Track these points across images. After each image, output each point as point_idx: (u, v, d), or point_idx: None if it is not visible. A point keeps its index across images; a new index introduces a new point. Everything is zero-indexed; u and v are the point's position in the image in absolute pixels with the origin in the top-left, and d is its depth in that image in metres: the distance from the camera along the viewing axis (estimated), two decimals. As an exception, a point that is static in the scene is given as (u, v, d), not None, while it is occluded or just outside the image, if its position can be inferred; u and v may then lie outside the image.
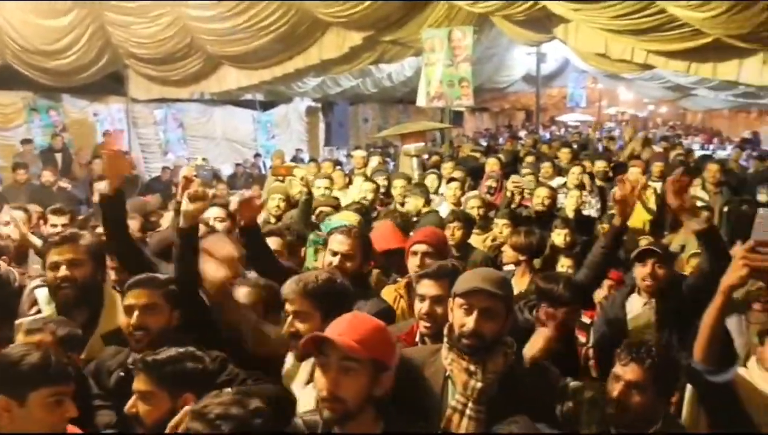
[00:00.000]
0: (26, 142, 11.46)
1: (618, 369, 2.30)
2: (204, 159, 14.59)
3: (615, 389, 2.28)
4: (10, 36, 10.33)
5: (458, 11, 9.95)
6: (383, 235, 4.27)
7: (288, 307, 2.35)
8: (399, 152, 10.96)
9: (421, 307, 2.50)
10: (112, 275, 3.55)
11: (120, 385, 2.43)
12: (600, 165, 7.93)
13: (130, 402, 2.10)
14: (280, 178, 6.45)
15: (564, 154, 9.25)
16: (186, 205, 2.71)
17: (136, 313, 2.51)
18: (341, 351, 1.82)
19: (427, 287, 2.50)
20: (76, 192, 9.41)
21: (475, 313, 2.11)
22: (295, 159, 15.30)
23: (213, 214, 3.93)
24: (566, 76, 22.35)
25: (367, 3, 9.45)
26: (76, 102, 13.23)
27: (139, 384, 2.09)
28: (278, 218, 5.42)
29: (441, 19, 10.06)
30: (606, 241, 3.25)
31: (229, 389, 1.91)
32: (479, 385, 2.11)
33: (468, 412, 2.11)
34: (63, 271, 2.78)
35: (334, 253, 3.07)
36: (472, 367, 2.12)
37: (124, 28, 10.98)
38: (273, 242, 3.58)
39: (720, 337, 2.34)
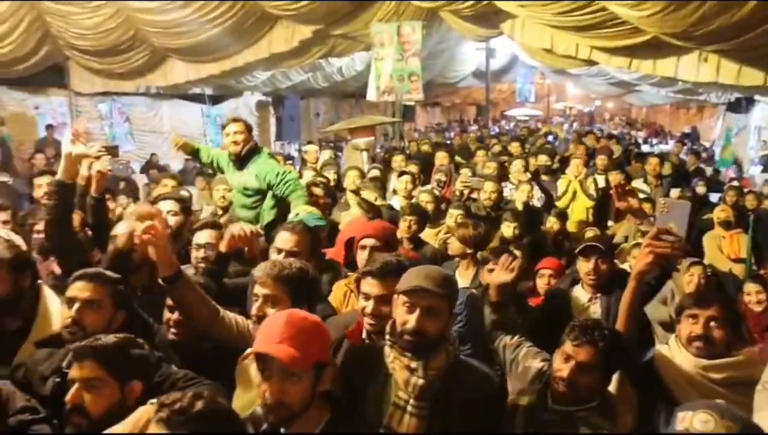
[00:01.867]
0: (-43, 135, 11.03)
1: (569, 348, 2.30)
2: (153, 154, 14.34)
3: (564, 369, 2.28)
4: (-59, 26, 9.90)
5: (407, 6, 9.99)
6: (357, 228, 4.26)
7: (259, 289, 2.33)
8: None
9: (365, 305, 2.45)
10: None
11: (56, 392, 2.32)
12: (543, 159, 8.10)
13: (72, 392, 2.02)
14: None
15: (515, 148, 9.46)
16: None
17: (76, 305, 2.42)
18: (283, 364, 1.81)
19: (371, 286, 2.44)
20: (17, 185, 9.08)
21: (417, 312, 2.11)
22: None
23: (166, 207, 3.87)
24: (515, 71, 22.71)
25: (315, -4, 9.40)
26: (15, 94, 12.73)
27: (83, 372, 2.02)
28: (225, 209, 5.37)
29: (390, 14, 10.08)
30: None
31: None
32: (420, 382, 2.12)
33: (410, 408, 2.13)
34: None
35: (279, 251, 3.04)
36: (413, 365, 2.13)
37: (63, 18, 10.62)
38: (206, 235, 3.58)
39: (636, 320, 2.47)
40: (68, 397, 2.02)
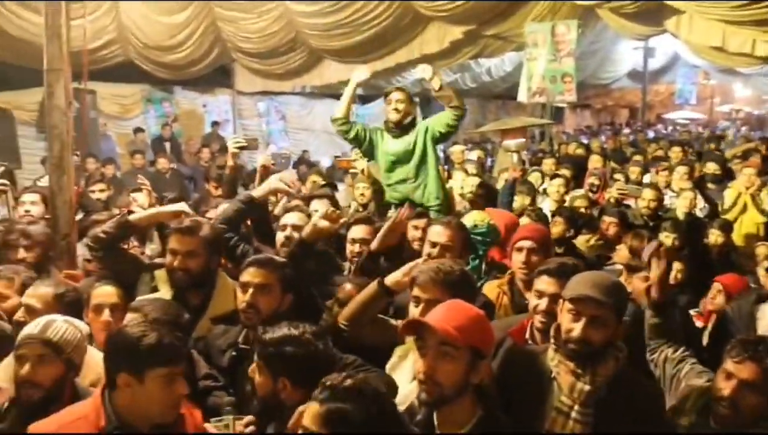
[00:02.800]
0: (138, 130, 12.24)
1: (730, 366, 2.16)
2: (305, 151, 15.10)
3: (726, 387, 2.14)
4: (133, 33, 11.02)
5: (562, 5, 9.70)
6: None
7: (420, 293, 2.33)
8: (497, 148, 10.83)
9: (538, 303, 2.48)
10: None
11: (233, 365, 2.55)
12: (711, 167, 7.51)
13: (252, 366, 2.21)
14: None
15: (675, 154, 8.86)
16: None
17: (250, 290, 2.60)
18: (439, 336, 1.85)
19: (547, 284, 2.48)
20: (184, 169, 10.05)
21: (582, 321, 2.07)
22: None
23: (319, 206, 3.99)
24: (675, 71, 21.37)
25: (469, -3, 9.38)
26: (187, 94, 14.00)
27: (255, 355, 2.20)
28: (364, 206, 5.49)
29: (544, 13, 9.84)
30: None
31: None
32: (587, 387, 2.06)
33: (573, 414, 2.08)
34: (179, 260, 2.92)
35: (434, 244, 3.07)
36: (579, 370, 2.08)
37: (233, 24, 11.46)
38: (361, 230, 3.64)
39: None
40: (249, 370, 2.23)
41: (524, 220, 4.61)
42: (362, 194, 5.55)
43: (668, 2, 8.29)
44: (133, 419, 1.98)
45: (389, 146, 4.72)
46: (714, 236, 5.49)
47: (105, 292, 2.86)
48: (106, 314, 2.80)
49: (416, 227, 4.03)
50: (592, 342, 2.06)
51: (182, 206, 3.32)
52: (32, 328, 2.29)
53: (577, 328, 2.06)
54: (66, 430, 1.96)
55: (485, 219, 3.69)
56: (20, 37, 9.55)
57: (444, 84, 4.77)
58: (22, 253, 3.44)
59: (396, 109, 4.63)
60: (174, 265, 2.94)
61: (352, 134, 4.83)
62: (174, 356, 2.02)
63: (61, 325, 2.30)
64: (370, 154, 4.93)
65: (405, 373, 2.35)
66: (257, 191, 3.53)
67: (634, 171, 7.61)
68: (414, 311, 2.33)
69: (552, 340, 2.19)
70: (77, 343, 2.31)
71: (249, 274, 2.64)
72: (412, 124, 4.68)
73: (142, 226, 3.27)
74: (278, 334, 2.16)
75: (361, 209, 5.45)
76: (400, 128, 4.65)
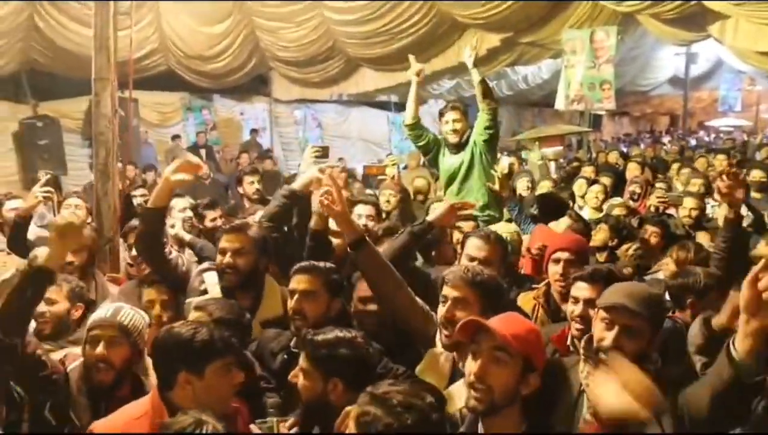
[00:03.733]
0: (175, 137, 12.49)
1: None
2: (341, 159, 15.21)
3: None
4: (174, 43, 11.27)
5: (601, 11, 9.60)
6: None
7: (450, 292, 2.32)
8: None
9: (573, 309, 2.47)
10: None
11: (284, 368, 2.54)
12: (757, 175, 7.29)
13: (294, 371, 2.22)
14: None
15: (719, 162, 8.63)
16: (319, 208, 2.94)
17: (296, 297, 2.63)
18: (495, 340, 1.85)
19: (581, 290, 2.46)
20: (219, 177, 10.22)
21: (615, 330, 2.04)
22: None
23: (363, 211, 3.99)
24: (719, 77, 20.92)
25: (508, 4, 9.34)
26: (226, 102, 14.24)
27: (301, 359, 2.21)
28: (388, 214, 5.43)
29: (583, 19, 9.74)
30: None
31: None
32: None
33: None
34: (228, 257, 2.95)
35: (471, 259, 2.97)
36: None
37: (271, 33, 11.63)
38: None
39: None
40: (291, 374, 2.25)
41: (565, 221, 4.57)
42: (388, 201, 5.51)
43: (709, 3, 8.08)
44: None
45: (447, 161, 4.77)
46: (761, 248, 5.33)
47: (156, 290, 3.01)
48: (157, 309, 2.92)
49: (461, 231, 4.01)
50: (624, 353, 2.01)
51: (181, 158, 3.01)
52: (104, 312, 2.43)
53: (609, 338, 2.03)
54: (131, 428, 2.03)
55: (512, 231, 3.64)
56: (66, 47, 9.86)
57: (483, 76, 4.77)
58: (70, 257, 3.53)
59: (455, 130, 4.64)
60: (223, 262, 2.96)
61: (422, 142, 4.85)
62: (228, 346, 2.10)
63: (130, 311, 2.44)
64: (436, 163, 4.95)
65: (434, 381, 2.34)
66: (297, 183, 3.51)
67: (695, 183, 7.33)
68: (440, 309, 2.33)
69: (582, 351, 2.15)
70: (142, 329, 2.45)
71: (294, 281, 2.67)
72: (468, 138, 4.68)
73: (163, 204, 3.02)
74: (330, 335, 2.17)
75: (384, 215, 5.41)
76: (458, 146, 4.67)
